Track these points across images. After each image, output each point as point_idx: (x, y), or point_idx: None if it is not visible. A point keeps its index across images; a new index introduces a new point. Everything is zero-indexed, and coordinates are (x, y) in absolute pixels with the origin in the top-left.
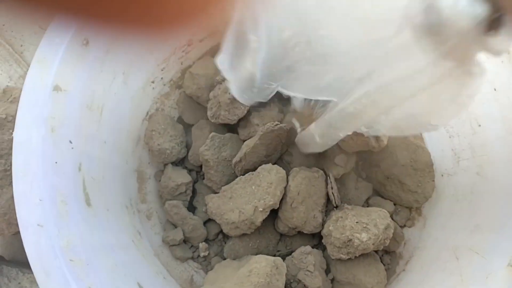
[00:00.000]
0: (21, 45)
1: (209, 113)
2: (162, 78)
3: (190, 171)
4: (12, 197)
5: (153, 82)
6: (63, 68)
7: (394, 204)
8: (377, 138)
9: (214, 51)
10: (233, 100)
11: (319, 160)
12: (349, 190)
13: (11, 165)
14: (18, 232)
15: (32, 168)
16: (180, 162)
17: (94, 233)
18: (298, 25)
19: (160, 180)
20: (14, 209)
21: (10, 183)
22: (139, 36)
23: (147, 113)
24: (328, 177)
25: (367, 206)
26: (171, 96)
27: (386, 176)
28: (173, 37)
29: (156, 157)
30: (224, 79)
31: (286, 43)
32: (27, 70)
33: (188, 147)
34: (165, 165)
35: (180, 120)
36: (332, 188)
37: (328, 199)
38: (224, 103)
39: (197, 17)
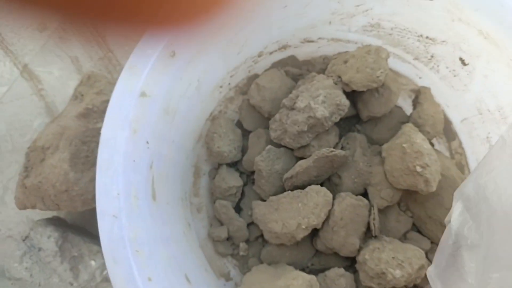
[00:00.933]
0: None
1: (272, 134)
2: (229, 83)
3: (241, 173)
4: (90, 180)
5: (221, 87)
6: (151, 77)
7: (431, 242)
8: (426, 181)
9: (281, 64)
10: (301, 132)
11: (366, 188)
12: (390, 222)
13: (92, 152)
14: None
15: (114, 164)
16: (233, 164)
17: (156, 226)
18: None
19: (214, 178)
20: (90, 191)
21: (89, 168)
22: (153, 33)
23: (211, 114)
24: (372, 208)
25: (405, 239)
26: (234, 100)
27: (428, 215)
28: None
29: (213, 157)
30: (292, 107)
31: None
32: (107, 53)
33: (243, 151)
34: (220, 164)
35: (238, 124)
36: (374, 219)
37: (368, 228)
38: (291, 133)
39: (209, 12)
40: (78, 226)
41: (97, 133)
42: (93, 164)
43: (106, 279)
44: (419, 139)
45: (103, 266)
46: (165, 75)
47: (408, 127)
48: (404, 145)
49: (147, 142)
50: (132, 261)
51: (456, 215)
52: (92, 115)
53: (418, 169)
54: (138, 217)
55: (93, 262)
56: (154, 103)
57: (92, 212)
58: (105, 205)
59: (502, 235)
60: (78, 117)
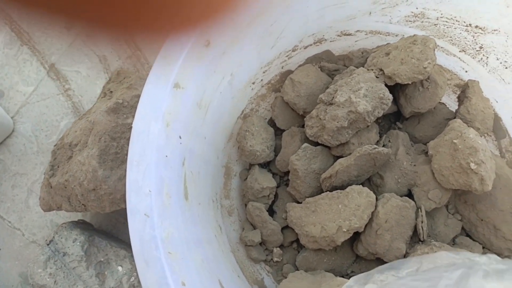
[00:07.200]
0: None
1: (308, 131)
2: (262, 80)
3: (274, 174)
4: (119, 179)
5: (253, 83)
6: (185, 67)
7: (483, 248)
8: (481, 180)
9: (316, 59)
10: (340, 128)
11: (410, 189)
12: (438, 225)
13: (122, 148)
14: (115, 210)
15: (146, 159)
16: (266, 164)
17: (188, 227)
18: None
19: (245, 179)
20: (119, 190)
21: (118, 166)
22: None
23: (242, 112)
24: (419, 210)
25: (453, 245)
26: (266, 98)
27: (480, 218)
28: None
29: (245, 157)
30: (330, 102)
31: None
32: (135, 51)
33: (276, 151)
34: (252, 165)
35: (270, 122)
36: (422, 222)
37: (415, 231)
38: (330, 129)
39: (222, 10)
40: (104, 230)
41: (126, 129)
42: (122, 161)
43: (134, 286)
44: (472, 134)
45: (130, 272)
46: (199, 65)
47: (458, 123)
48: (455, 140)
49: (180, 137)
50: (165, 264)
51: None
52: (122, 110)
53: (473, 166)
54: (170, 216)
55: (120, 268)
56: (187, 96)
57: (119, 216)
58: (136, 202)
59: None
60: (108, 112)
